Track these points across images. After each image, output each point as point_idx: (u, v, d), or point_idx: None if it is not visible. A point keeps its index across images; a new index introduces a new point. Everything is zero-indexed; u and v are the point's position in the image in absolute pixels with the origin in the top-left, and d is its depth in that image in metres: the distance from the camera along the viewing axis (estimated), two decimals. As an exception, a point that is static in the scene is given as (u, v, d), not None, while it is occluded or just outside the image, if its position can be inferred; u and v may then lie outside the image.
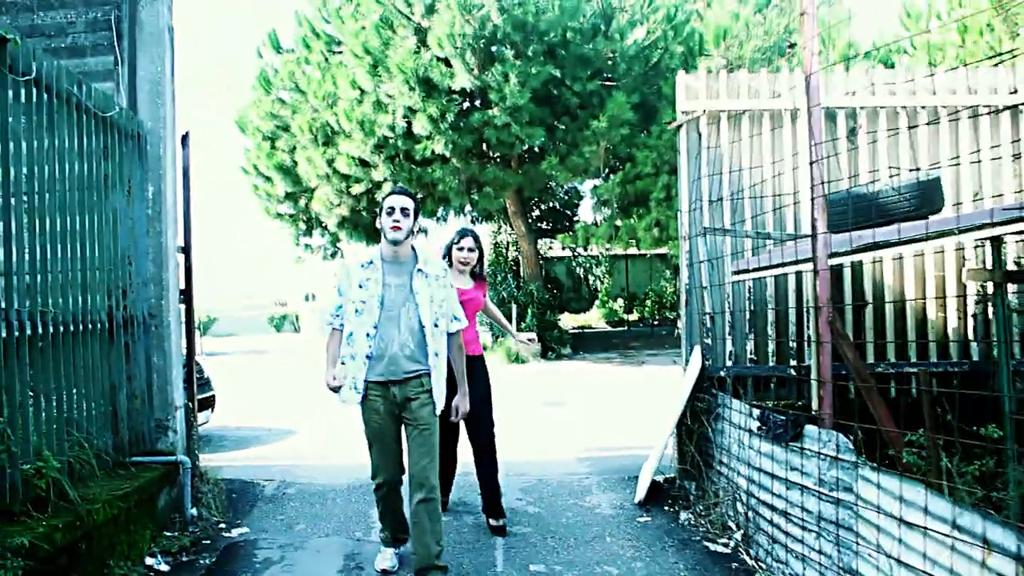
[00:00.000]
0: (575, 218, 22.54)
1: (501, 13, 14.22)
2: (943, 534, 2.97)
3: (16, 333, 3.70)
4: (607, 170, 17.29)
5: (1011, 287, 5.59)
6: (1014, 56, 6.64)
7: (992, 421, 4.74)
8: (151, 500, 4.92)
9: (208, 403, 8.23)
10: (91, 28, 5.57)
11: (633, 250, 16.01)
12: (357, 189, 16.12)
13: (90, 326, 4.56)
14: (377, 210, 4.24)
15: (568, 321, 25.09)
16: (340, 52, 15.92)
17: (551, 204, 22.54)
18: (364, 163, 15.74)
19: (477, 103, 15.41)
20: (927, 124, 5.65)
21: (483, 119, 14.67)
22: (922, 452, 3.94)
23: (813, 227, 3.96)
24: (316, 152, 15.87)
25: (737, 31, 15.51)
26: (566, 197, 22.19)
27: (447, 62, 14.50)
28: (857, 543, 3.58)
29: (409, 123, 14.79)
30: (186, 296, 5.77)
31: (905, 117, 5.91)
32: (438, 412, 4.18)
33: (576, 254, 28.72)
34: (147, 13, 5.47)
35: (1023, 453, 3.60)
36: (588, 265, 30.09)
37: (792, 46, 15.41)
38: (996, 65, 5.95)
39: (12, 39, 3.67)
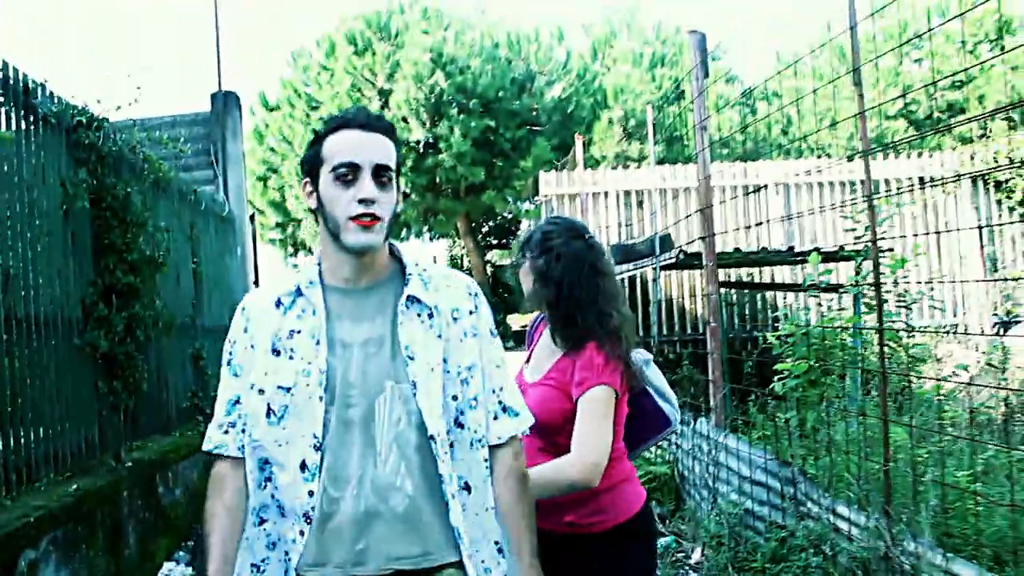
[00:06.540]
0: (518, 233, 26.74)
1: (447, 79, 18.38)
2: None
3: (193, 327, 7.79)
4: (535, 197, 21.53)
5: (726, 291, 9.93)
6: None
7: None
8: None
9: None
10: (195, 154, 9.64)
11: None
12: (336, 220, 20.23)
13: (223, 325, 8.66)
14: (306, 173, 1.81)
15: (517, 320, 29.31)
16: (319, 109, 19.96)
17: (497, 222, 26.73)
18: (342, 199, 19.81)
19: (430, 150, 19.57)
20: (671, 199, 9.96)
21: (435, 162, 18.81)
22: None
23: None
24: (303, 192, 19.89)
25: (632, 86, 19.87)
26: (510, 216, 26.39)
27: (405, 120, 18.61)
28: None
29: (377, 167, 18.87)
30: (257, 309, 9.87)
31: (668, 194, 10.22)
32: None
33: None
34: (231, 147, 9.58)
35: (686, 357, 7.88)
36: (531, 272, 34.29)
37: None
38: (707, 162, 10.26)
39: (199, 192, 7.78)
